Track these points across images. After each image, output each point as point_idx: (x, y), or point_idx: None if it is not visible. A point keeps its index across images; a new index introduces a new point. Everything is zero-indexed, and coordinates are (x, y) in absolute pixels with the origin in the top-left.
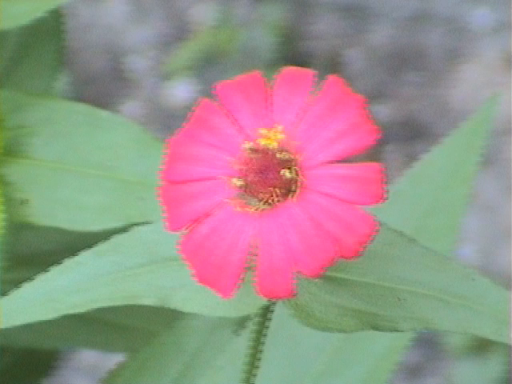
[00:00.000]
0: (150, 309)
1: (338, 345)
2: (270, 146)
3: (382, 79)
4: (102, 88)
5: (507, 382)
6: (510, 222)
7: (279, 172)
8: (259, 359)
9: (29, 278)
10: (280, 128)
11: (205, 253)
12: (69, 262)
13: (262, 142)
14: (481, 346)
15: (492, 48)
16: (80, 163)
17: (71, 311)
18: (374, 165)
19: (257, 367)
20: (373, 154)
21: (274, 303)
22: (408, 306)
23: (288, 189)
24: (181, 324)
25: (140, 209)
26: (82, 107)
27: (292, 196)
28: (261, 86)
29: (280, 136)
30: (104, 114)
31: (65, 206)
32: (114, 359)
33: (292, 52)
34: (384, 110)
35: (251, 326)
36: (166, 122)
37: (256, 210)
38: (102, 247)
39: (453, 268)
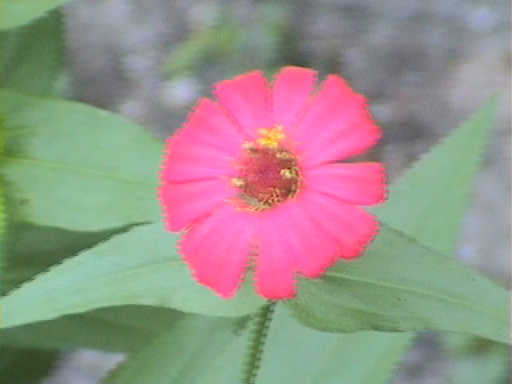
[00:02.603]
0: (150, 309)
1: (338, 345)
2: (270, 146)
3: (382, 79)
4: (101, 88)
5: (507, 382)
6: (510, 222)
7: (279, 172)
8: (259, 359)
9: (29, 278)
10: (280, 128)
11: (205, 253)
12: (69, 262)
13: (262, 142)
14: (481, 346)
15: (492, 48)
16: (80, 163)
17: (71, 311)
18: (374, 165)
19: (257, 367)
20: (373, 154)
21: (274, 303)
22: (408, 306)
23: (288, 189)
24: (181, 324)
25: (140, 209)
26: (82, 107)
27: (292, 196)
28: (261, 86)
29: (280, 136)
30: (104, 113)
31: (65, 206)
32: (114, 359)
33: (292, 52)
34: (384, 110)
35: (251, 326)
36: (166, 122)
37: (256, 210)
38: (102, 247)
39: (453, 268)
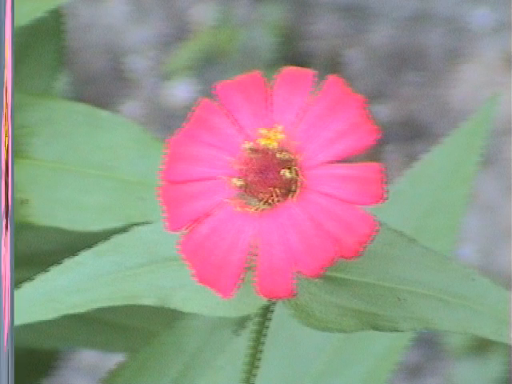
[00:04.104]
0: (150, 309)
1: (338, 345)
2: (270, 146)
3: (382, 79)
4: (101, 88)
5: (507, 382)
6: (510, 222)
7: (279, 172)
8: (259, 359)
9: (29, 278)
10: (280, 128)
11: (205, 253)
12: (69, 262)
13: (262, 142)
14: (481, 346)
15: (492, 48)
16: (80, 163)
17: (71, 311)
18: (374, 165)
19: (257, 367)
20: (373, 154)
21: (274, 303)
22: (408, 306)
23: (288, 189)
24: (181, 324)
25: (140, 209)
26: (82, 107)
27: (292, 196)
28: (261, 86)
29: (280, 136)
30: (104, 113)
31: (65, 206)
32: (114, 359)
33: (292, 52)
34: (384, 110)
35: (251, 326)
36: (166, 122)
37: (256, 210)
38: (102, 247)
39: (453, 268)
